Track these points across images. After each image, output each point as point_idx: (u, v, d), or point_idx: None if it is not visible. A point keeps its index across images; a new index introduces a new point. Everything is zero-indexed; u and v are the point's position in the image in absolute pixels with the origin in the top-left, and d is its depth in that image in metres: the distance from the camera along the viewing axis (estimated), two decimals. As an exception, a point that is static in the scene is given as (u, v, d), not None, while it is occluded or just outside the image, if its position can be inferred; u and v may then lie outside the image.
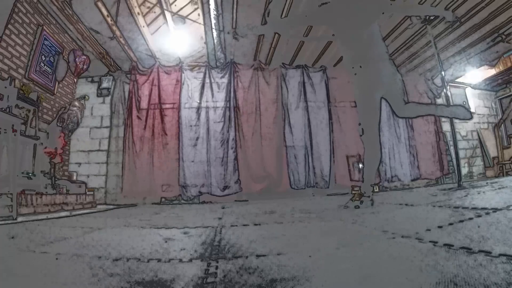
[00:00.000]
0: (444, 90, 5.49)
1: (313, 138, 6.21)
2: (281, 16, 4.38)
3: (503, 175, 7.00)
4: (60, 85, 5.26)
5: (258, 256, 1.38)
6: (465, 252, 1.19)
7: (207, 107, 6.11)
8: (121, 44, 5.37)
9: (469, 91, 7.88)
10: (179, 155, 5.79)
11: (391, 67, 3.30)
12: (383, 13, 3.38)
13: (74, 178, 5.51)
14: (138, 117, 5.94)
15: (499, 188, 3.81)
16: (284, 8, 4.31)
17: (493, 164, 7.37)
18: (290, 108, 6.31)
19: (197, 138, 5.94)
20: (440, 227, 1.76)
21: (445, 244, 1.34)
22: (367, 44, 3.20)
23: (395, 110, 3.42)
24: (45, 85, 4.72)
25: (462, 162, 6.88)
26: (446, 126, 6.91)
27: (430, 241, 1.44)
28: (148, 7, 4.59)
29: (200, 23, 4.89)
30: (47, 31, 4.57)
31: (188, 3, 4.55)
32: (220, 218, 2.95)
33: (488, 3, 4.64)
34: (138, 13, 4.63)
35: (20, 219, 2.88)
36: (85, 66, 5.50)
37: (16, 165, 3.37)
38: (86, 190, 5.14)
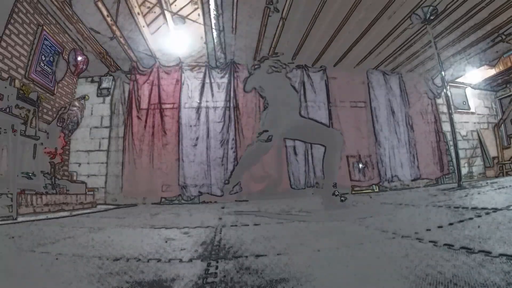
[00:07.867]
0: (444, 90, 5.48)
1: (313, 138, 6.19)
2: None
3: (503, 175, 7.01)
4: (60, 85, 5.26)
5: (258, 256, 1.38)
6: (465, 252, 1.19)
7: (207, 107, 6.11)
8: (121, 44, 5.37)
9: (469, 91, 7.89)
10: (179, 155, 5.79)
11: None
12: None
13: (74, 178, 5.52)
14: (138, 117, 5.94)
15: (499, 188, 3.81)
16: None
17: (493, 164, 7.37)
18: (290, 108, 6.30)
19: (197, 138, 5.94)
20: (440, 227, 1.76)
21: (445, 244, 1.34)
22: None
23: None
24: (45, 85, 4.72)
25: (462, 162, 6.89)
26: (446, 126, 6.92)
27: (430, 241, 1.43)
28: (148, 7, 4.59)
29: (200, 23, 4.89)
30: (47, 31, 4.57)
31: (188, 3, 4.55)
32: (220, 218, 2.95)
33: (488, 3, 4.64)
34: (138, 13, 4.63)
35: (20, 219, 2.88)
36: (84, 66, 5.51)
37: (16, 165, 3.37)
38: (86, 190, 5.14)
